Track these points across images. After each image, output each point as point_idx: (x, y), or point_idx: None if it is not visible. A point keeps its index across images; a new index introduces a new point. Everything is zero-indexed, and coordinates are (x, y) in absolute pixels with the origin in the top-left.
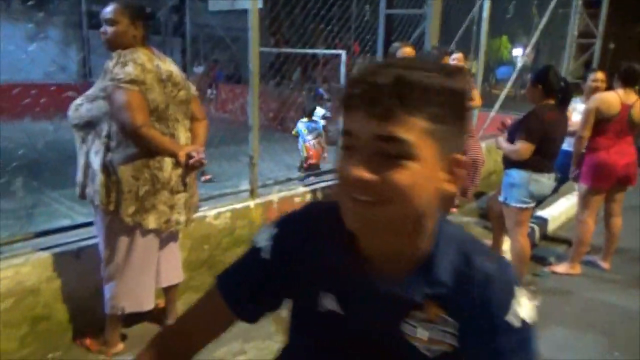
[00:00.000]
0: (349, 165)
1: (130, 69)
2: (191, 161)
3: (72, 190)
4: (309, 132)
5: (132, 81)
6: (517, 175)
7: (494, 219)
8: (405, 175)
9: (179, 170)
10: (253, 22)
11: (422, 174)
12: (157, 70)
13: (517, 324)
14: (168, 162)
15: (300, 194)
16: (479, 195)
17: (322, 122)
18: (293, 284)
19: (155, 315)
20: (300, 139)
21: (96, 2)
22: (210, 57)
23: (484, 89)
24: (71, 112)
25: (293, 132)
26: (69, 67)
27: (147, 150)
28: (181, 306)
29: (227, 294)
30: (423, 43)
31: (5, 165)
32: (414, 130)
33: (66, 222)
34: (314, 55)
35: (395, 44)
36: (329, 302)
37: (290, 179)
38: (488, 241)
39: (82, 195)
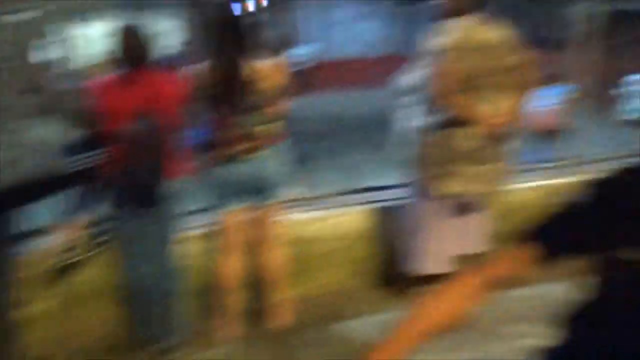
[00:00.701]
0: None
1: (443, 38)
2: (490, 131)
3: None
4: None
5: (443, 51)
6: None
7: None
8: None
9: (482, 141)
10: None
11: None
12: (475, 39)
13: None
14: (469, 131)
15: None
16: None
17: None
18: (604, 233)
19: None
20: None
21: None
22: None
23: None
24: (397, 80)
25: None
26: (395, 40)
27: (453, 118)
28: None
29: (541, 234)
30: None
31: (338, 129)
32: None
33: (386, 182)
34: None
35: None
36: (635, 253)
37: (617, 157)
38: None
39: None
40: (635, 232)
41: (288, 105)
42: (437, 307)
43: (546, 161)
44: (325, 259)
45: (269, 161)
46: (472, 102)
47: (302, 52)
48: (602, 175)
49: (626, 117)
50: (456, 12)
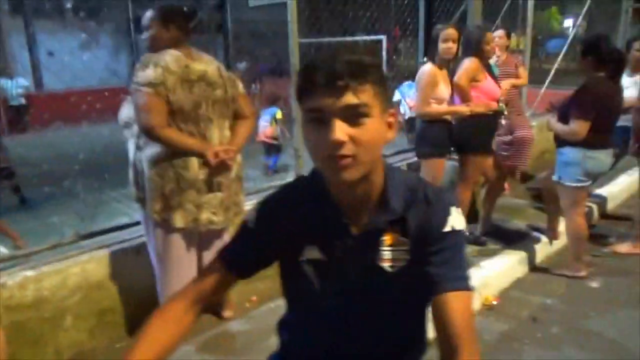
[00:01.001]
0: (327, 133)
1: (149, 71)
2: (215, 160)
3: (129, 190)
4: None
5: (150, 84)
6: (570, 153)
7: (549, 200)
8: (368, 130)
9: (209, 170)
10: (292, 15)
11: (376, 127)
12: (185, 71)
13: (452, 235)
14: (194, 161)
15: None
16: (530, 177)
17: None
18: (279, 243)
19: (209, 311)
20: None
21: (142, 8)
22: (253, 52)
23: (534, 65)
24: (119, 113)
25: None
26: (120, 72)
27: (171, 150)
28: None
29: (225, 259)
30: (465, 21)
31: (68, 168)
32: (366, 95)
33: (126, 220)
34: (355, 43)
35: (438, 26)
36: (313, 253)
37: None
38: (542, 224)
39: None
40: (303, 235)
41: None
42: (153, 335)
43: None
44: (58, 320)
45: None
46: (194, 132)
47: (13, 85)
48: (267, 194)
49: None
50: (167, 44)
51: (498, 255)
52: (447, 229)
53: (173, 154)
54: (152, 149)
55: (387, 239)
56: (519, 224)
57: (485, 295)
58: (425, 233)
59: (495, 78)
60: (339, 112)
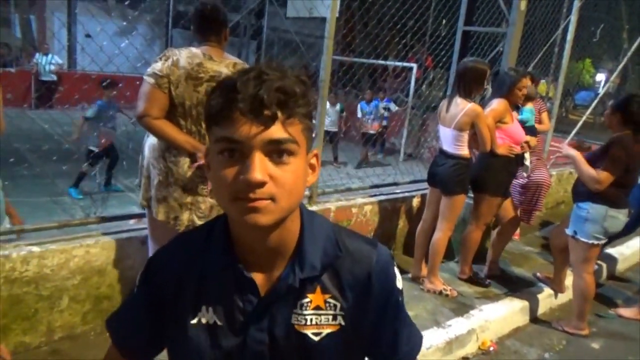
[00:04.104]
0: (243, 170)
1: (159, 63)
2: (196, 164)
3: None
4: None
5: (154, 74)
6: (592, 209)
7: (557, 252)
8: (292, 171)
9: (199, 171)
10: (330, 31)
11: (301, 168)
12: (195, 68)
13: (396, 292)
14: (186, 159)
15: (358, 204)
16: (545, 224)
17: None
18: (170, 307)
19: None
20: None
21: (183, 2)
22: (283, 62)
23: (560, 114)
24: None
25: None
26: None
27: (165, 142)
28: None
29: (118, 343)
30: (499, 62)
31: (88, 150)
32: (293, 130)
33: (136, 210)
34: (385, 67)
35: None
36: (208, 315)
37: (350, 189)
38: (549, 274)
39: None
40: (198, 294)
41: None
42: None
43: None
44: (55, 300)
45: None
46: (193, 131)
47: (46, 61)
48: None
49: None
50: (198, 38)
51: (500, 300)
52: (393, 290)
53: (168, 146)
54: (151, 138)
55: (310, 300)
56: (525, 271)
57: (483, 339)
58: (363, 294)
59: (522, 123)
60: (262, 147)
